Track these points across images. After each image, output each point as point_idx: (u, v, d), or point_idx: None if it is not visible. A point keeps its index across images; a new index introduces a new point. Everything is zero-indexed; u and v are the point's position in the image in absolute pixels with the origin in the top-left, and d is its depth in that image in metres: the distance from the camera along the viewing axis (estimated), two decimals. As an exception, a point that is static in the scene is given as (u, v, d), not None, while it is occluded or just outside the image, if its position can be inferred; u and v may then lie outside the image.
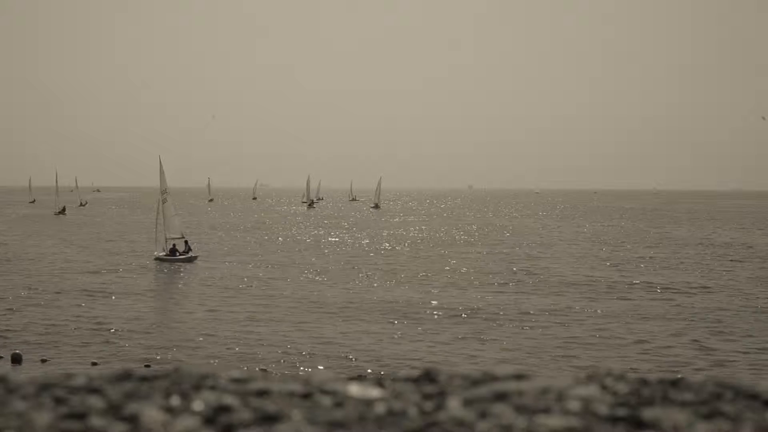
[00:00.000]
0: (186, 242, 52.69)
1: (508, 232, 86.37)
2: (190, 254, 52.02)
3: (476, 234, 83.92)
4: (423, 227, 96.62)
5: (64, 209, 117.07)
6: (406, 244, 69.17)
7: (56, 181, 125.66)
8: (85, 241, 69.59)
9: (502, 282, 43.55)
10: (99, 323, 31.37)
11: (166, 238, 51.79)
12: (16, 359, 25.06)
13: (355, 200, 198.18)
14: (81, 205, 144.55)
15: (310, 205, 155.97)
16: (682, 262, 53.96)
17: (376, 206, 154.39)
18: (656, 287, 41.53)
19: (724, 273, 48.01)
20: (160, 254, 51.47)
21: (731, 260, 55.69)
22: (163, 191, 52.96)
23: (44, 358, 25.47)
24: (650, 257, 57.57)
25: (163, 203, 52.19)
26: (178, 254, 51.64)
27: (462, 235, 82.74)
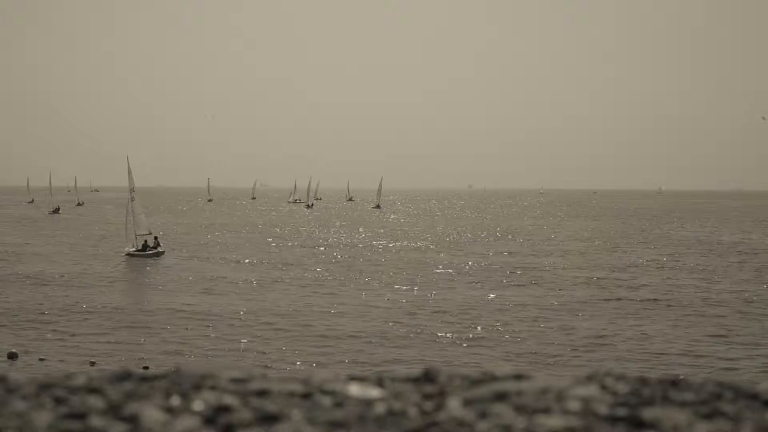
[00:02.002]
0: (156, 238, 55.43)
1: (505, 232, 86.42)
2: (159, 249, 54.62)
3: (474, 234, 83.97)
4: (421, 228, 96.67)
5: (57, 209, 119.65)
6: (405, 244, 69.20)
7: (50, 182, 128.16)
8: (71, 240, 70.87)
9: (501, 282, 43.56)
10: (86, 321, 31.57)
11: (136, 235, 54.37)
12: (13, 356, 25.19)
13: (352, 200, 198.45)
14: (78, 204, 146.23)
15: (309, 205, 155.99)
16: (682, 262, 53.97)
17: (378, 206, 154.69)
18: (656, 287, 41.54)
19: (725, 273, 48.02)
20: (131, 250, 53.90)
21: (732, 260, 55.70)
22: (131, 190, 55.80)
23: (42, 357, 25.55)
24: (650, 257, 57.59)
25: (132, 201, 54.98)
26: (148, 250, 54.06)
27: (461, 235, 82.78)
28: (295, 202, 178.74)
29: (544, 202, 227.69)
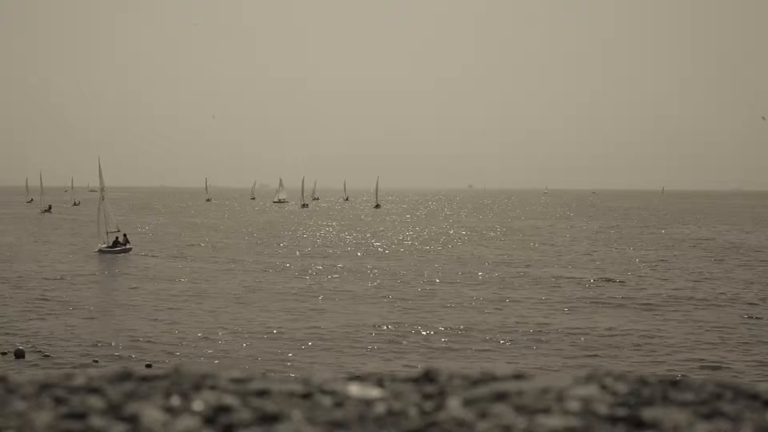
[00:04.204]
0: (125, 235, 59.13)
1: (506, 232, 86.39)
2: (127, 246, 58.23)
3: (474, 233, 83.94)
4: (420, 227, 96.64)
5: (50, 208, 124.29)
6: (404, 244, 69.17)
7: (40, 181, 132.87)
8: (56, 238, 72.91)
9: (502, 282, 43.55)
10: (78, 319, 31.73)
11: (107, 232, 57.98)
12: (20, 354, 25.51)
13: (348, 200, 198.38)
14: (75, 204, 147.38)
15: (304, 205, 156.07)
16: (682, 262, 53.97)
17: (378, 206, 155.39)
18: (656, 287, 41.52)
19: (725, 273, 48.02)
20: (102, 246, 57.35)
21: (732, 261, 55.70)
22: (101, 189, 59.48)
23: (47, 354, 25.82)
24: (650, 257, 57.58)
25: (102, 201, 58.56)
26: (119, 246, 57.71)
27: (459, 234, 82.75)
28: (279, 201, 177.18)
29: (549, 202, 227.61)
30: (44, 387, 1.46)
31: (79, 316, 32.44)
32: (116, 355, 25.96)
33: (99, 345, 27.43)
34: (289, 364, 24.89)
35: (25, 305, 34.59)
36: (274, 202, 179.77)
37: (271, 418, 1.32)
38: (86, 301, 36.03)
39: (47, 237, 73.40)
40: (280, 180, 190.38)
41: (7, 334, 28.95)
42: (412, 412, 1.36)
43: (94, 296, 37.96)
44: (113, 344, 27.47)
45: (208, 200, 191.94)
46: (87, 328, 30.16)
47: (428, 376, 1.53)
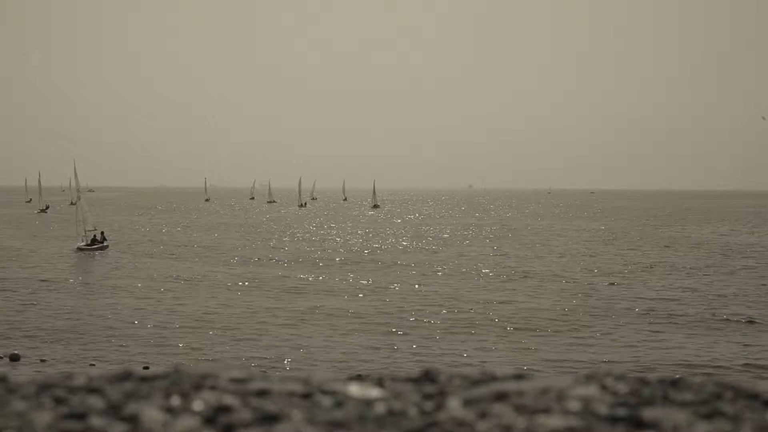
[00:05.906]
0: (102, 233, 61.09)
1: (506, 232, 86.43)
2: (104, 244, 60.09)
3: (474, 234, 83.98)
4: (418, 227, 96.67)
5: (46, 207, 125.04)
6: (402, 243, 69.20)
7: (39, 181, 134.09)
8: (51, 237, 73.50)
9: (500, 282, 43.56)
10: (75, 317, 31.82)
11: (85, 231, 59.79)
12: (15, 359, 25.24)
13: (346, 200, 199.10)
14: (72, 204, 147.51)
15: (302, 205, 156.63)
16: (681, 263, 53.99)
17: (376, 206, 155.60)
18: (656, 287, 41.54)
19: (724, 273, 48.03)
20: (81, 245, 59.09)
21: (732, 261, 55.72)
22: (78, 190, 61.36)
23: (43, 358, 25.60)
24: (650, 257, 57.61)
25: (78, 200, 60.55)
26: (97, 244, 59.54)
27: (459, 233, 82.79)
28: (272, 202, 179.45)
29: (549, 201, 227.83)
30: (44, 387, 1.46)
31: (74, 318, 32.38)
32: (112, 357, 25.95)
33: (95, 346, 27.40)
34: (288, 364, 24.89)
35: (15, 307, 34.46)
36: (268, 202, 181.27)
37: (271, 418, 1.32)
38: (79, 303, 35.90)
39: (40, 237, 73.82)
40: (269, 182, 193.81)
41: (5, 335, 28.91)
42: (412, 412, 1.36)
43: (87, 297, 37.85)
44: (110, 345, 27.45)
45: (207, 200, 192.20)
46: (82, 330, 30.12)
47: (428, 376, 1.53)
